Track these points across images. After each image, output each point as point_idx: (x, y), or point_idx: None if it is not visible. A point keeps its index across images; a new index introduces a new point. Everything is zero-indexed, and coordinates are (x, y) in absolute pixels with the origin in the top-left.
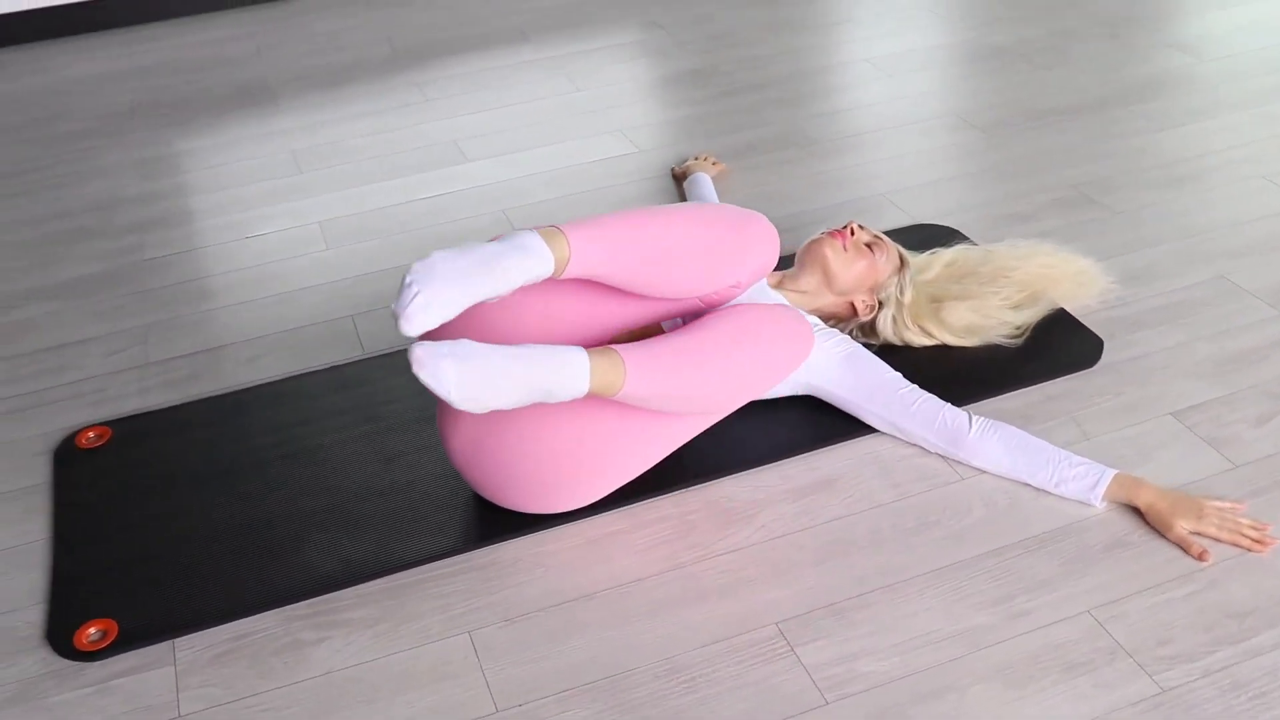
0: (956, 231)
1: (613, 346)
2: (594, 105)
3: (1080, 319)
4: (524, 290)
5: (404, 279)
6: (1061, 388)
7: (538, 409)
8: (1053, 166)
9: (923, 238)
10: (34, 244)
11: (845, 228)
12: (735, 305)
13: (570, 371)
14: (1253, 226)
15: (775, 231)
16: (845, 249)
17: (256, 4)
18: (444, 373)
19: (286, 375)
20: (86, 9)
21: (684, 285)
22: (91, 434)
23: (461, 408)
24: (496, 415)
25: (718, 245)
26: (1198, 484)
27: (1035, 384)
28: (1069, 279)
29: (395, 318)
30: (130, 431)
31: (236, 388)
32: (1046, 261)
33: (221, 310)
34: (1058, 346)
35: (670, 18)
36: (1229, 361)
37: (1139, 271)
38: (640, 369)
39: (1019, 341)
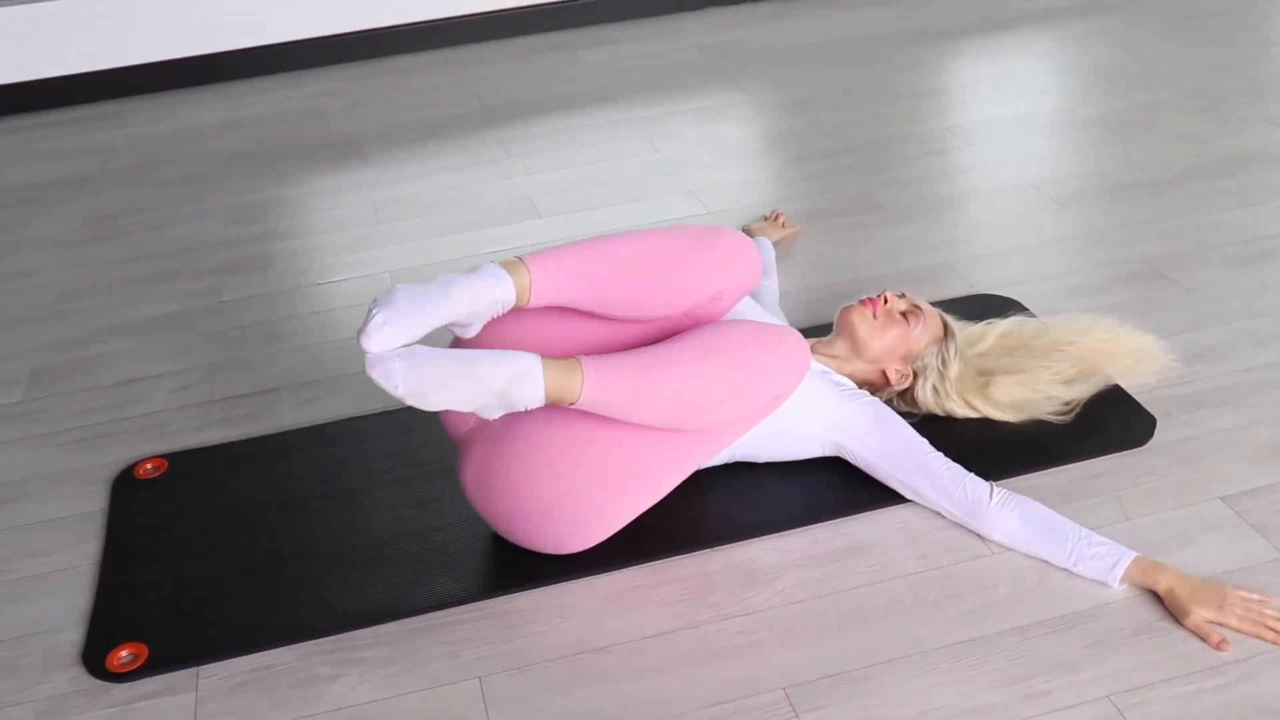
0: (1016, 302)
1: (577, 355)
2: (670, 166)
3: (1135, 396)
4: (501, 323)
5: (369, 307)
6: (1108, 465)
7: (529, 433)
8: (1126, 241)
9: (980, 308)
10: (123, 283)
11: (879, 296)
12: (726, 320)
13: (521, 370)
14: None
15: (749, 240)
16: (875, 316)
17: (353, 61)
18: (392, 371)
19: (337, 418)
20: (199, 63)
21: (658, 300)
22: (149, 465)
23: (410, 403)
24: (495, 445)
25: (685, 256)
26: (1241, 572)
27: (1080, 460)
28: (1127, 355)
29: (359, 339)
30: (186, 465)
31: (289, 428)
32: (1105, 337)
33: (285, 353)
34: (1108, 423)
35: (756, 83)
36: None
37: (1204, 350)
38: (600, 372)
39: (1068, 418)
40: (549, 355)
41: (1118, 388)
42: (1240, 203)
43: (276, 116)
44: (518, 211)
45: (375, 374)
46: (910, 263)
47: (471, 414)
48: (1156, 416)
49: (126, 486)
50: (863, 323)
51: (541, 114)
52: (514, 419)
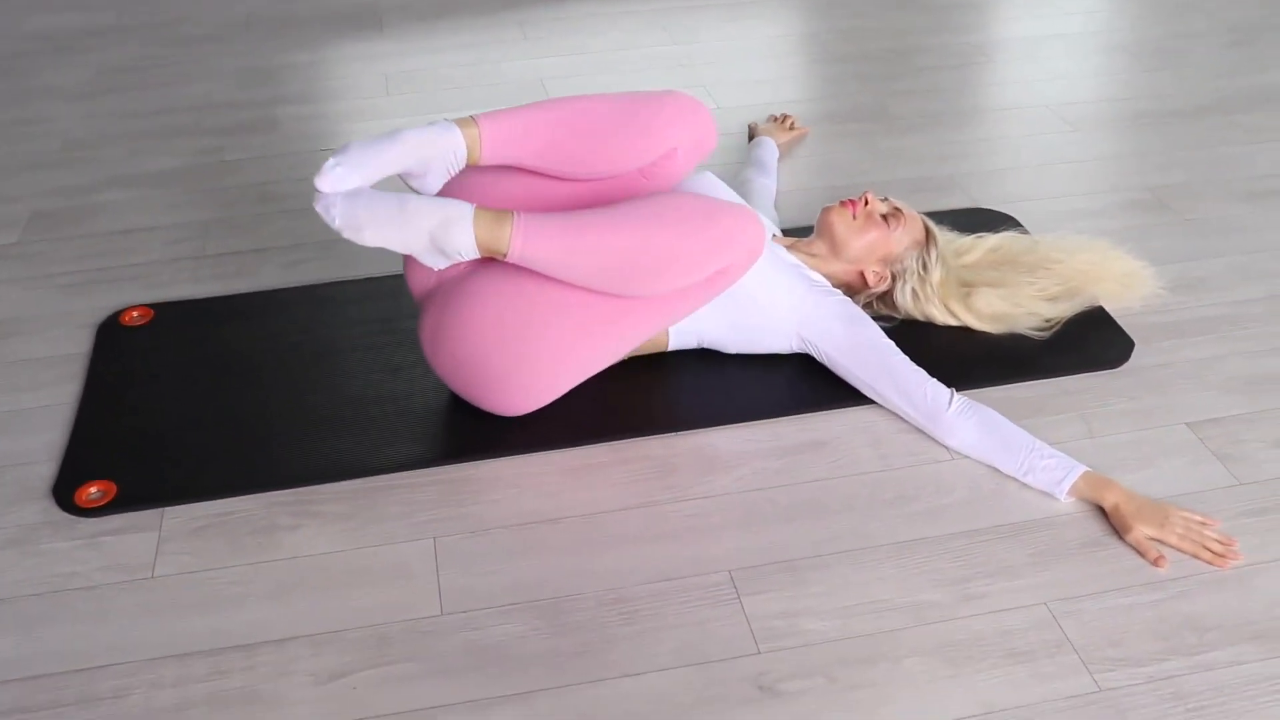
0: (1012, 219)
1: (511, 210)
2: (684, 60)
3: (1117, 319)
4: (460, 183)
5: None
6: (1080, 384)
7: (479, 288)
8: (1134, 169)
9: (976, 221)
10: (129, 136)
11: (860, 197)
12: (679, 190)
13: (451, 215)
14: None
15: (699, 102)
16: (854, 217)
17: None
18: (331, 204)
19: (325, 281)
20: None
21: (610, 154)
22: (135, 313)
23: (346, 236)
24: (447, 299)
25: (635, 112)
26: (1196, 496)
27: (1054, 376)
28: (1114, 278)
29: (314, 184)
30: (171, 316)
31: (276, 287)
32: (1093, 258)
33: (280, 214)
34: (1086, 343)
35: None
36: (1262, 380)
37: (1193, 281)
38: (532, 225)
39: (1046, 335)
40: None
41: (1101, 310)
42: (1254, 139)
43: None
44: (527, 93)
45: (319, 208)
46: (912, 172)
47: (433, 273)
48: (1135, 341)
49: (111, 332)
50: (841, 222)
51: None
52: (469, 277)
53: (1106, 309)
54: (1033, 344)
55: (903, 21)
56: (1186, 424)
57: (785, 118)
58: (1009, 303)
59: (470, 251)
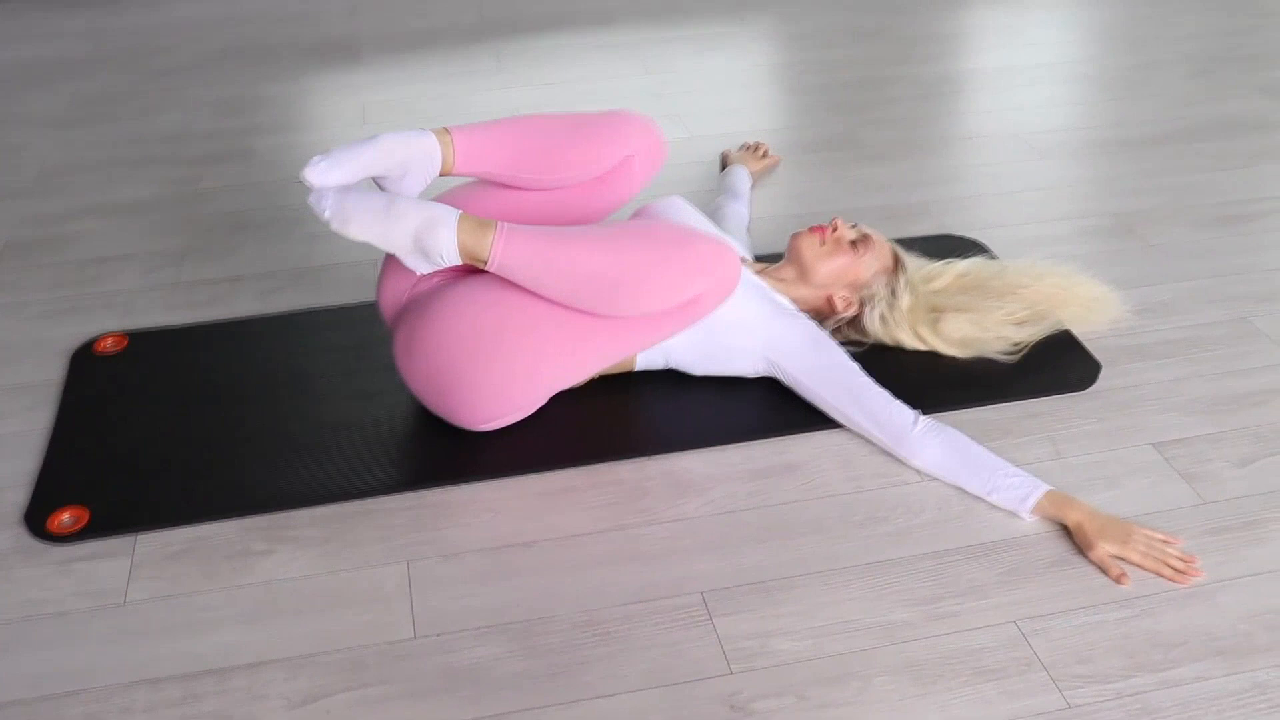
0: (979, 245)
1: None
2: (659, 90)
3: (1084, 343)
4: (448, 200)
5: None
6: (1047, 406)
7: (455, 298)
8: (1100, 195)
9: (944, 247)
10: (104, 165)
11: (829, 223)
12: (658, 218)
13: (436, 218)
14: None
15: (647, 115)
16: (823, 243)
17: None
18: (323, 197)
19: (298, 309)
20: None
21: (569, 160)
22: (110, 341)
23: (334, 228)
24: (427, 311)
25: (589, 122)
26: (1162, 515)
27: (1022, 399)
28: (1080, 303)
29: (303, 179)
30: (145, 344)
31: (250, 315)
32: (1060, 283)
33: (255, 243)
34: (1053, 366)
35: (757, 15)
36: (1226, 401)
37: (1158, 305)
38: (514, 234)
39: (1015, 359)
40: None
41: (1068, 333)
42: (1218, 166)
43: (274, 14)
44: None
45: (311, 200)
46: (882, 199)
47: (405, 289)
48: (1102, 363)
49: (85, 359)
50: (809, 248)
51: (540, 30)
52: (444, 288)
53: (1073, 333)
54: (1001, 367)
55: (872, 52)
56: (1152, 444)
57: (758, 146)
58: (977, 327)
59: (452, 255)
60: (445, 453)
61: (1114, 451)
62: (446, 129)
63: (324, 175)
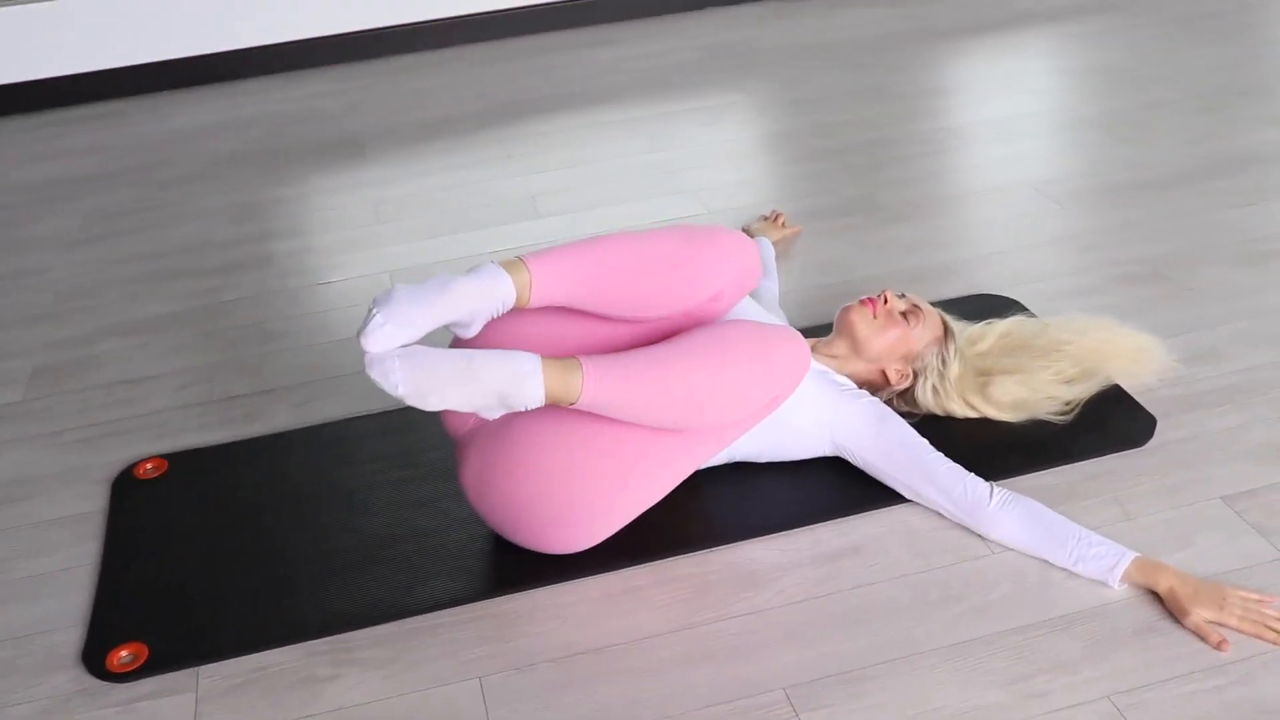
0: (1015, 302)
1: (577, 355)
2: (670, 166)
3: (1135, 396)
4: (501, 324)
5: (369, 307)
6: (1107, 466)
7: (530, 433)
8: (1125, 241)
9: (980, 308)
10: (123, 282)
11: (879, 296)
12: (726, 320)
13: (521, 370)
14: None
15: (748, 239)
16: (875, 316)
17: (354, 61)
18: (390, 370)
19: (335, 419)
20: (198, 63)
21: (657, 300)
22: (149, 465)
23: (410, 403)
24: (496, 445)
25: (683, 253)
26: (1240, 572)
27: (1079, 460)
28: (1126, 355)
29: (358, 339)
30: (185, 465)
31: (288, 429)
32: (1104, 336)
33: (282, 353)
34: (1108, 423)
35: (757, 83)
36: None
37: (1203, 351)
38: (600, 372)
39: (1068, 418)
40: (548, 354)
41: (1117, 387)
42: (1240, 202)
43: (276, 116)
44: (519, 211)
45: (375, 373)
46: (909, 262)
47: (471, 413)
48: (1156, 416)
49: (127, 486)
50: (862, 322)
51: (544, 113)
52: (514, 418)
53: (1123, 386)
54: (1054, 428)
55: (875, 112)
56: (1221, 498)
57: (776, 216)
58: (1026, 389)
59: (538, 404)
60: (503, 560)
61: (1182, 509)
62: (523, 261)
63: (389, 340)
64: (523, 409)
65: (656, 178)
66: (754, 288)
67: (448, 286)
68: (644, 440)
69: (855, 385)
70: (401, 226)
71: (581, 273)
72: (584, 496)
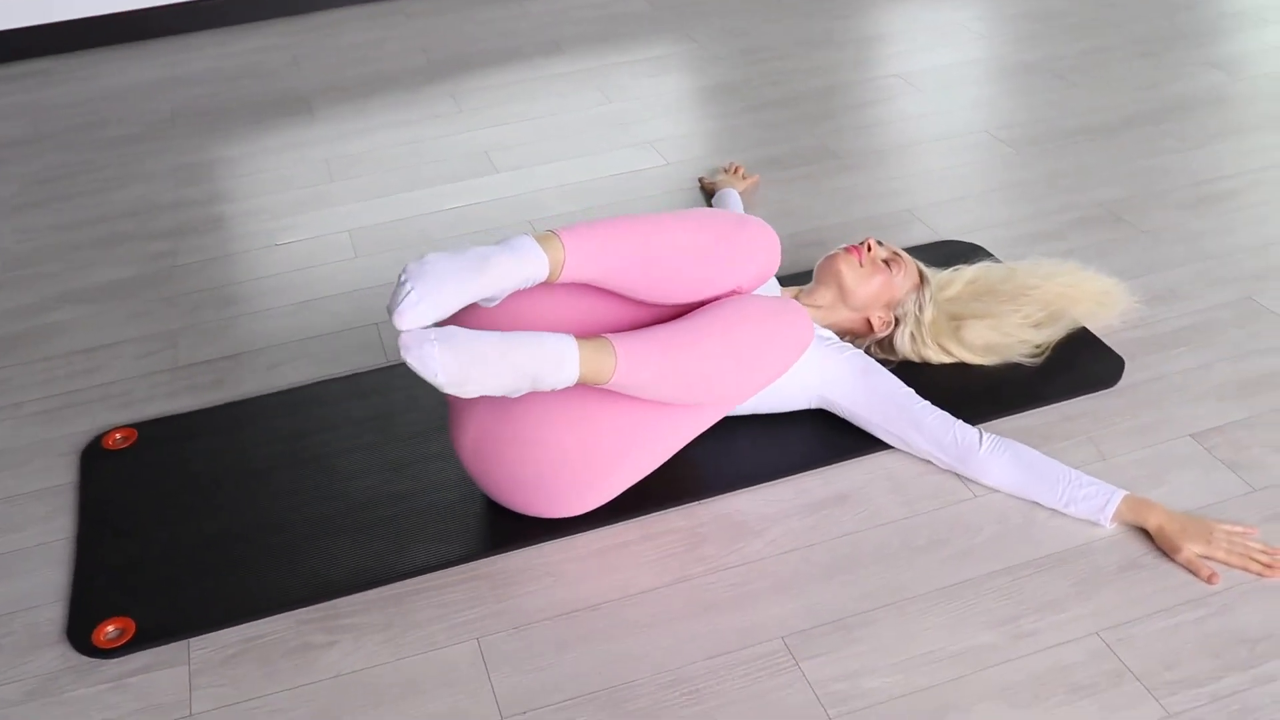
0: (980, 248)
1: (604, 335)
2: (624, 118)
3: (1102, 338)
4: (522, 295)
5: (399, 277)
6: (1080, 407)
7: (538, 406)
8: (1081, 185)
9: (946, 254)
10: (71, 248)
11: (863, 244)
12: (731, 296)
13: (558, 355)
14: None
15: (774, 235)
16: (861, 265)
17: (293, 15)
18: (429, 356)
19: (307, 382)
20: (131, 18)
21: (682, 290)
22: (118, 435)
23: (448, 391)
24: (500, 414)
25: (715, 249)
26: (1214, 507)
27: (1053, 403)
28: (1091, 298)
29: (390, 314)
30: (155, 434)
31: (258, 393)
32: (1069, 280)
33: (245, 317)
34: (1078, 366)
35: (704, 33)
36: (1251, 384)
37: (1163, 292)
38: (631, 356)
39: (1039, 360)
40: (566, 328)
41: (1085, 330)
42: (1186, 146)
43: (215, 74)
44: (474, 166)
45: (411, 359)
46: (870, 209)
47: None
48: (1123, 358)
49: (96, 457)
50: (849, 270)
51: (491, 66)
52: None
53: (1090, 329)
54: (1027, 372)
55: (824, 59)
56: (1190, 435)
57: (736, 167)
58: (998, 333)
59: (569, 385)
60: (489, 521)
61: (1155, 447)
62: (558, 236)
63: (421, 317)
64: (551, 389)
65: (611, 130)
66: (772, 276)
67: (487, 262)
68: (647, 413)
69: (837, 337)
70: (355, 185)
71: (613, 258)
72: (584, 468)
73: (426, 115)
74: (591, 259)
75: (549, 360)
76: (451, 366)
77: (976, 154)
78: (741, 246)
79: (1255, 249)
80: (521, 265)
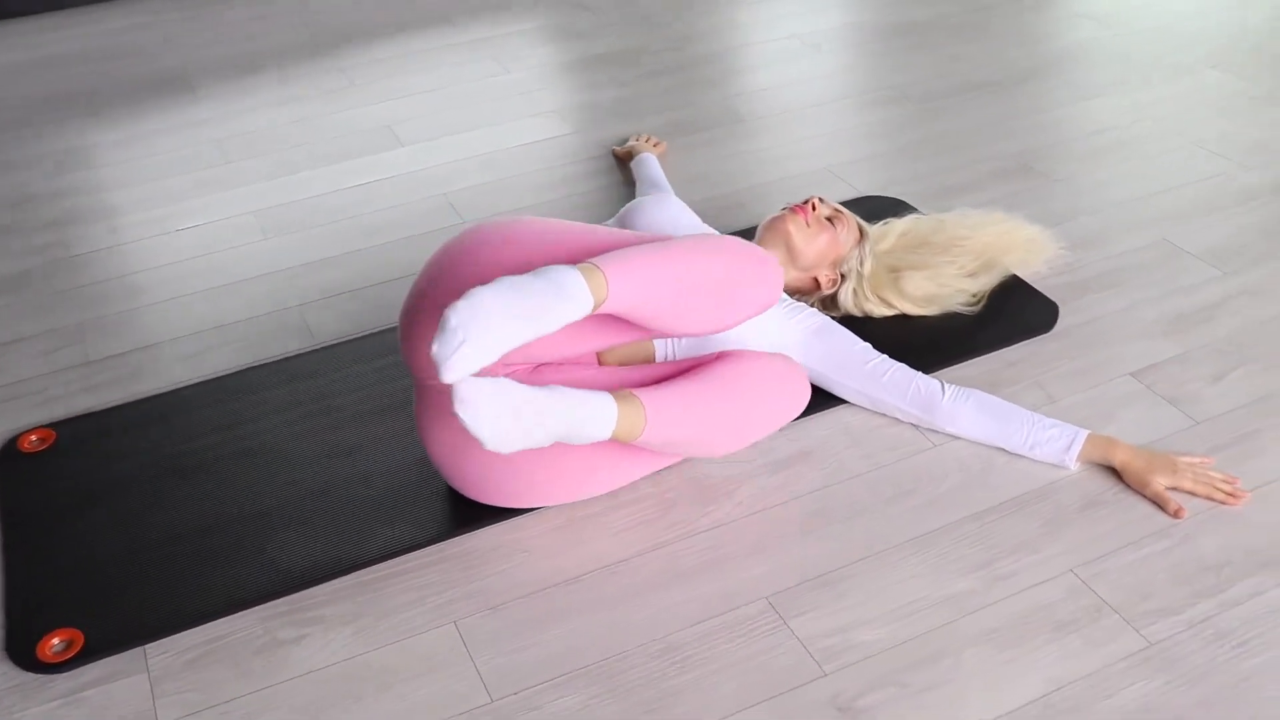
0: (903, 202)
1: (633, 393)
2: (525, 87)
3: (1034, 285)
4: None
5: (447, 318)
6: (1020, 353)
7: None
8: (988, 138)
9: (871, 209)
10: None
11: (806, 202)
12: (737, 351)
13: (599, 419)
14: (1186, 190)
15: (778, 273)
16: (808, 224)
17: None
18: (480, 415)
19: (232, 369)
20: None
21: (695, 327)
22: (34, 437)
23: (489, 448)
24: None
25: (727, 285)
26: (1162, 441)
27: (994, 350)
28: (1020, 246)
29: (435, 362)
30: (75, 433)
31: (181, 384)
32: (998, 229)
33: (155, 306)
34: (1014, 313)
35: (598, 0)
36: (1179, 321)
37: (1084, 238)
38: (662, 415)
39: (976, 309)
40: (542, 342)
41: (1016, 278)
42: (1077, 97)
43: (86, 55)
44: (379, 141)
45: (464, 415)
46: (786, 170)
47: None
48: (1056, 303)
49: (14, 461)
50: (798, 231)
51: (379, 39)
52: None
53: (1021, 276)
54: (966, 322)
55: (718, 21)
56: (1130, 374)
57: (648, 137)
58: (935, 283)
59: (601, 440)
60: (453, 500)
61: (1099, 387)
62: (604, 275)
63: (471, 365)
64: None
65: (513, 100)
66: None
67: (541, 312)
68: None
69: (790, 298)
70: (254, 165)
71: (646, 298)
72: (549, 480)
73: (318, 91)
74: (624, 296)
75: (589, 422)
76: (499, 427)
77: (884, 111)
78: (752, 285)
79: (1163, 192)
80: (571, 310)
